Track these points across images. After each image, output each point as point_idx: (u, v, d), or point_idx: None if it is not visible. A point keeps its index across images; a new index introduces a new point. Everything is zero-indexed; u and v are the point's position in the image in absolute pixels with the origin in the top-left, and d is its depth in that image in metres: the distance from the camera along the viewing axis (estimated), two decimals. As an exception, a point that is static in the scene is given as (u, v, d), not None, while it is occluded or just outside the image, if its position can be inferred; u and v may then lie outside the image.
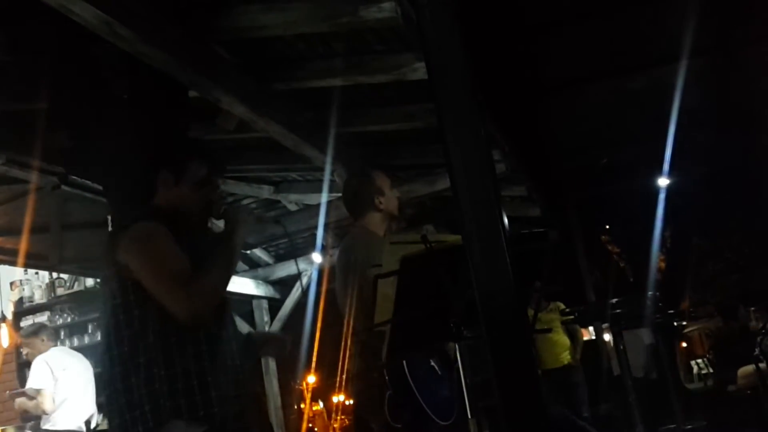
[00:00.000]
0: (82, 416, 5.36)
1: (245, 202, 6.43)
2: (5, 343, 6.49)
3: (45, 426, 5.33)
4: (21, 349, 6.01)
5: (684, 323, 7.79)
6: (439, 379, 2.99)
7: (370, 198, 3.20)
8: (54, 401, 5.28)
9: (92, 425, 5.27)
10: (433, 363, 3.02)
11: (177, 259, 2.11)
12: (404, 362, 2.83)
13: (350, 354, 3.03)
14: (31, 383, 5.34)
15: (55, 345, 5.61)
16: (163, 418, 2.00)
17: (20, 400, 5.48)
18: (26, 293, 7.59)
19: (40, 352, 5.45)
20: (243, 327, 7.19)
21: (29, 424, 6.29)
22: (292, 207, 6.37)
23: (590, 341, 8.73)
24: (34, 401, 5.32)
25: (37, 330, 5.64)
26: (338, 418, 9.65)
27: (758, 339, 6.13)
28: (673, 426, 5.08)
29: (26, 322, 7.60)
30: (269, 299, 7.90)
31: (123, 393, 2.04)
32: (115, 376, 2.08)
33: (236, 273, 6.94)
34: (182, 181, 2.26)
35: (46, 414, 5.31)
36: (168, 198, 2.27)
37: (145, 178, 2.32)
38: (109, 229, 5.07)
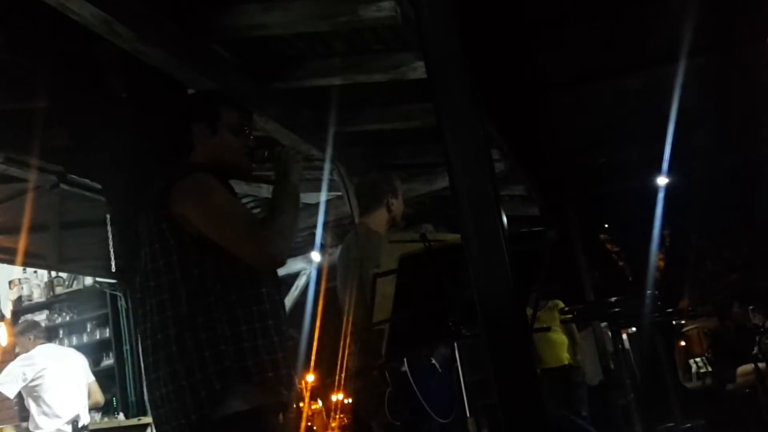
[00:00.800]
0: (65, 416, 5.19)
1: (243, 201, 6.44)
2: (4, 342, 6.48)
3: (30, 427, 5.18)
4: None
5: (683, 322, 7.80)
6: (439, 377, 3.00)
7: (385, 196, 3.21)
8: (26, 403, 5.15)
9: (80, 424, 5.20)
10: (434, 361, 3.03)
11: (242, 207, 2.04)
12: (405, 360, 2.83)
13: (350, 352, 3.03)
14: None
15: (44, 343, 5.35)
16: (231, 380, 1.86)
17: None
18: (25, 292, 7.58)
19: (27, 351, 5.23)
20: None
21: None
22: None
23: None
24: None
25: (24, 329, 5.40)
26: (337, 416, 9.67)
27: (757, 338, 6.13)
28: (671, 425, 5.08)
29: (25, 321, 7.61)
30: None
31: (179, 357, 1.87)
32: (168, 339, 1.89)
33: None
34: (219, 131, 2.12)
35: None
36: (207, 152, 2.11)
37: (179, 137, 2.16)
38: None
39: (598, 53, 5.44)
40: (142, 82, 3.52)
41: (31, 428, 5.13)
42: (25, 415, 7.05)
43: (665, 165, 7.21)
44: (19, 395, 5.12)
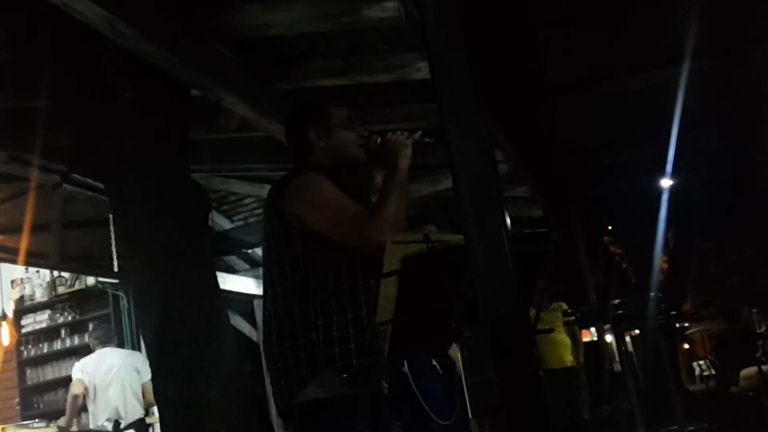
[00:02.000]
0: (109, 415, 5.46)
1: (246, 201, 6.43)
2: (6, 342, 6.48)
3: (90, 425, 5.60)
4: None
5: (686, 325, 7.78)
6: (441, 378, 2.99)
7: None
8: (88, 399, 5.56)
9: (122, 425, 5.34)
10: (435, 362, 3.02)
11: (349, 200, 2.11)
12: (405, 361, 2.82)
13: None
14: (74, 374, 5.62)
15: (103, 345, 5.75)
16: (318, 366, 1.99)
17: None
18: (27, 292, 7.58)
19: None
20: (244, 326, 7.18)
21: (32, 421, 6.31)
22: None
23: (592, 342, 8.72)
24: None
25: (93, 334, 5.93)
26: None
27: (760, 341, 6.11)
28: (674, 428, 5.07)
29: (27, 321, 7.61)
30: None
31: (277, 343, 2.05)
32: (271, 328, 2.09)
33: (237, 272, 6.94)
34: (333, 130, 2.26)
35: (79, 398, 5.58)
36: (326, 152, 2.25)
37: (298, 144, 2.29)
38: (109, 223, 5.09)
39: (602, 55, 5.43)
40: (146, 82, 3.51)
41: (91, 426, 5.57)
42: (28, 414, 7.07)
43: (669, 167, 7.20)
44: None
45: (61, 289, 7.43)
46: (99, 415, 5.52)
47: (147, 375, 5.25)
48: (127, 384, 5.57)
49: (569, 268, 7.86)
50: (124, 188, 3.64)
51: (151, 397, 5.34)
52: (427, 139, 2.28)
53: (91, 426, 5.55)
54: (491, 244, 1.69)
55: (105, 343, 5.80)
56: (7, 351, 7.00)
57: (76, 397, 5.58)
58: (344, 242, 2.06)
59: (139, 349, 6.68)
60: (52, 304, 7.56)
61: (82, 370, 5.61)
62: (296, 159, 2.33)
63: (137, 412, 5.51)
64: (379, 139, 2.25)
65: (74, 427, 5.71)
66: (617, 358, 7.93)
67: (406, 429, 2.87)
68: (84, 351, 7.20)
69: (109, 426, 5.35)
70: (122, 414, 5.44)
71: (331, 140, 2.25)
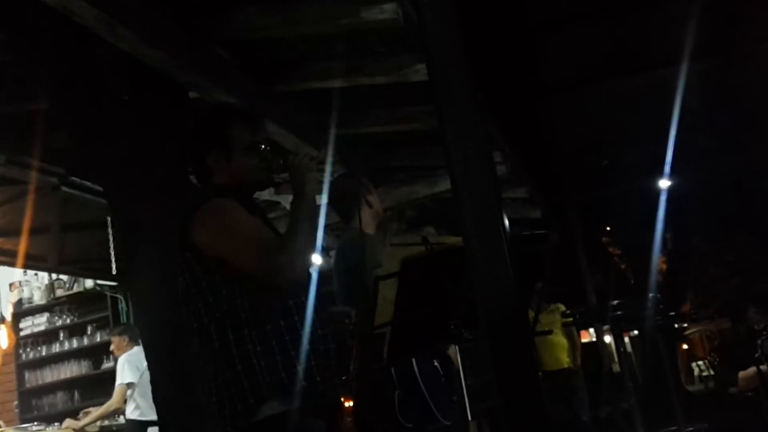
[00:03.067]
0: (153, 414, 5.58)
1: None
2: (4, 345, 6.48)
3: (131, 416, 5.77)
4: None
5: (685, 325, 7.78)
6: (442, 379, 3.00)
7: (357, 197, 3.19)
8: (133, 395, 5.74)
9: None
10: (436, 363, 3.03)
11: (259, 228, 2.06)
12: (414, 362, 2.83)
13: (353, 356, 3.02)
14: (121, 379, 5.77)
15: (138, 344, 5.76)
16: (264, 393, 1.94)
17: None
18: (25, 294, 7.58)
19: (123, 351, 5.88)
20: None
21: (31, 424, 6.31)
22: (293, 208, 6.34)
23: (590, 343, 8.72)
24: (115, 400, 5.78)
25: (121, 331, 6.05)
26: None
27: (759, 341, 6.11)
28: (673, 428, 5.06)
29: (25, 324, 7.61)
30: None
31: (218, 373, 1.98)
32: (207, 357, 2.02)
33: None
34: (234, 154, 2.14)
35: (119, 410, 5.82)
36: (227, 176, 2.15)
37: (197, 166, 2.21)
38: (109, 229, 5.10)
39: (600, 55, 5.43)
40: (144, 85, 3.51)
41: (135, 417, 5.74)
42: (26, 417, 7.06)
43: (668, 168, 7.20)
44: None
45: (59, 292, 7.42)
46: (148, 409, 5.58)
47: None
48: None
49: (568, 269, 7.85)
50: (123, 191, 3.63)
51: None
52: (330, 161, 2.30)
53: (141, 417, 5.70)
54: (490, 245, 1.69)
55: (138, 340, 5.87)
56: (5, 354, 7.00)
57: (117, 410, 5.81)
58: (252, 272, 1.98)
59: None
60: (51, 306, 7.56)
61: (134, 368, 5.75)
62: (197, 179, 2.25)
63: None
64: (281, 161, 2.17)
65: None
66: (616, 359, 7.93)
67: (417, 430, 2.88)
68: (84, 353, 7.20)
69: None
70: None
71: (230, 165, 2.14)
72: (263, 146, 2.19)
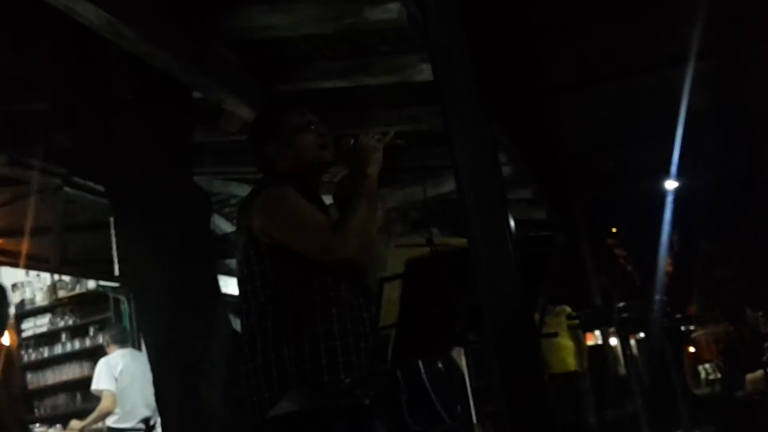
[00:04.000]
0: (140, 415, 5.47)
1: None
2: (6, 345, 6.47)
3: (109, 423, 5.58)
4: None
5: (691, 328, 7.75)
6: (447, 380, 2.99)
7: None
8: (116, 401, 5.55)
9: (151, 422, 5.36)
10: (440, 365, 3.02)
11: (315, 212, 2.08)
12: (420, 364, 2.82)
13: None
14: (95, 385, 5.61)
15: (121, 347, 5.75)
16: (289, 383, 1.96)
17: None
18: (27, 295, 7.56)
19: (105, 354, 5.73)
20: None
21: (32, 426, 6.30)
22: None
23: (596, 346, 8.70)
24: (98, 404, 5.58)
25: (105, 331, 5.92)
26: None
27: (766, 344, 6.08)
28: (680, 431, 5.04)
29: (27, 325, 7.60)
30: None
31: (251, 359, 2.02)
32: (244, 343, 2.07)
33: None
34: (291, 140, 2.19)
35: (111, 413, 5.55)
36: (289, 162, 2.19)
37: (259, 159, 2.25)
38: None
39: (606, 56, 5.41)
40: (147, 85, 3.50)
41: (111, 424, 5.56)
42: (28, 419, 7.04)
43: (674, 169, 7.17)
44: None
45: (61, 293, 7.40)
46: (126, 415, 5.53)
47: None
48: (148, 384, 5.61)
49: (573, 271, 7.83)
50: (126, 191, 3.63)
51: None
52: (399, 141, 2.22)
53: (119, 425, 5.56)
54: (495, 247, 1.68)
55: (121, 343, 5.79)
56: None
57: (108, 414, 5.60)
58: (310, 256, 2.02)
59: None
60: (53, 307, 7.54)
61: (111, 378, 5.59)
62: (262, 171, 2.30)
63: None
64: (352, 141, 2.18)
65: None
66: (622, 362, 7.91)
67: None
68: (86, 354, 7.19)
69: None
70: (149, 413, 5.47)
71: (290, 149, 2.19)
72: (318, 125, 2.22)
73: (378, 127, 4.88)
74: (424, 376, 2.84)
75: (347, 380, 1.99)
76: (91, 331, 7.27)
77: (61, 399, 7.19)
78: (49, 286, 7.44)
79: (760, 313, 6.86)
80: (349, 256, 2.02)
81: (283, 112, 2.27)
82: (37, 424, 6.26)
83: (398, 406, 2.84)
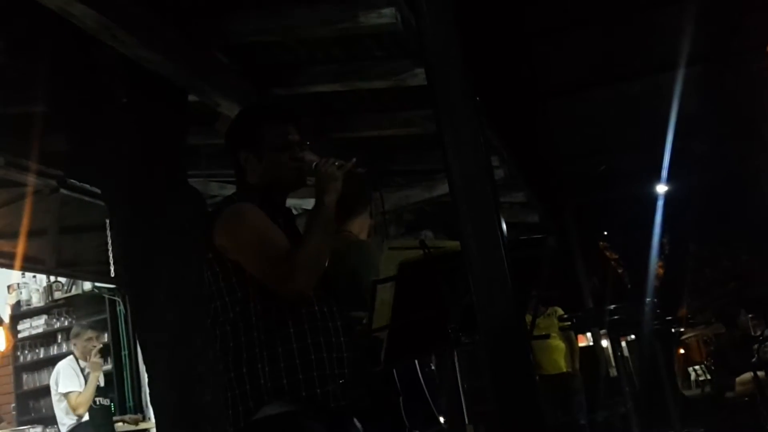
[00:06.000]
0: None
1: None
2: (2, 347, 6.47)
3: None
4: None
5: (682, 330, 7.80)
6: (438, 382, 3.01)
7: (369, 202, 3.19)
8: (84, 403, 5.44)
9: None
10: (433, 367, 3.04)
11: (274, 236, 2.04)
12: (417, 366, 2.84)
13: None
14: (60, 387, 5.48)
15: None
16: (264, 398, 1.96)
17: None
18: (23, 297, 7.57)
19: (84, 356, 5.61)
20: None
21: (28, 427, 6.29)
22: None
23: (588, 348, 8.73)
24: (64, 404, 5.44)
25: (78, 332, 5.75)
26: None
27: (756, 347, 6.13)
28: (670, 433, 5.08)
29: (23, 326, 7.59)
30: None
31: (225, 373, 2.03)
32: (217, 357, 2.07)
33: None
34: (265, 153, 2.14)
35: (79, 415, 5.44)
36: (258, 175, 2.14)
37: (233, 164, 2.19)
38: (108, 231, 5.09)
39: (597, 61, 5.45)
40: (143, 88, 3.52)
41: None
42: (24, 420, 7.04)
43: (664, 173, 7.22)
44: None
45: (57, 294, 7.41)
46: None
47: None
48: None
49: (565, 273, 7.86)
50: (121, 193, 3.64)
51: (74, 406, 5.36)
52: (359, 170, 2.20)
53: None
54: (487, 250, 1.70)
55: None
56: (3, 356, 6.99)
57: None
58: (262, 278, 2.00)
59: (136, 355, 6.67)
60: (49, 309, 7.54)
61: (72, 376, 5.53)
62: (234, 175, 2.25)
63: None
64: (314, 165, 2.14)
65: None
66: (613, 363, 7.94)
67: None
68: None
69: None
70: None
71: (260, 164, 2.14)
72: (296, 146, 2.17)
73: (371, 132, 4.93)
74: (420, 377, 2.85)
75: (323, 393, 2.00)
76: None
77: (56, 400, 7.17)
78: (45, 288, 7.44)
79: (750, 315, 6.92)
80: (297, 289, 1.99)
81: (265, 123, 2.19)
82: (32, 425, 6.24)
83: (394, 408, 2.86)
